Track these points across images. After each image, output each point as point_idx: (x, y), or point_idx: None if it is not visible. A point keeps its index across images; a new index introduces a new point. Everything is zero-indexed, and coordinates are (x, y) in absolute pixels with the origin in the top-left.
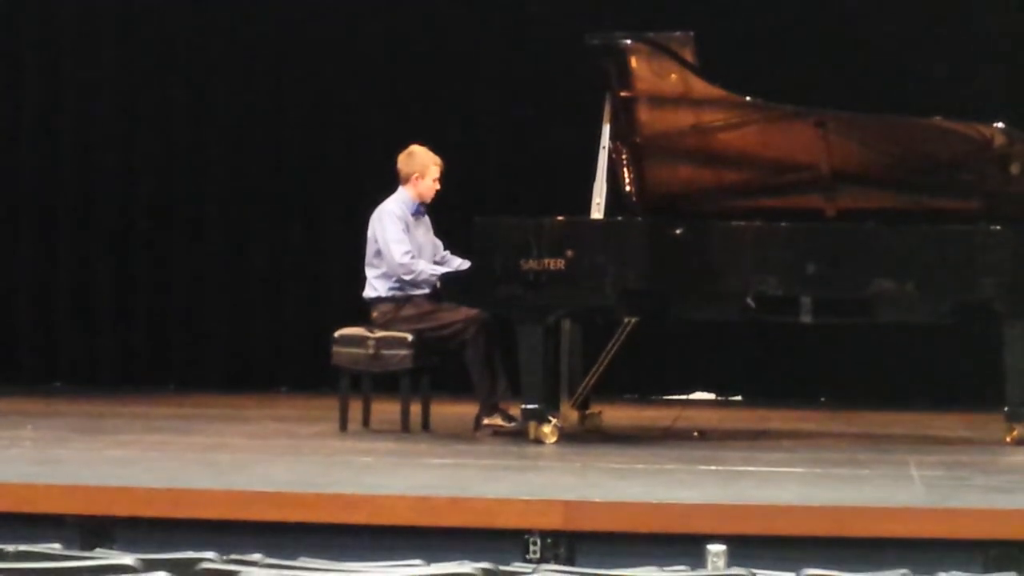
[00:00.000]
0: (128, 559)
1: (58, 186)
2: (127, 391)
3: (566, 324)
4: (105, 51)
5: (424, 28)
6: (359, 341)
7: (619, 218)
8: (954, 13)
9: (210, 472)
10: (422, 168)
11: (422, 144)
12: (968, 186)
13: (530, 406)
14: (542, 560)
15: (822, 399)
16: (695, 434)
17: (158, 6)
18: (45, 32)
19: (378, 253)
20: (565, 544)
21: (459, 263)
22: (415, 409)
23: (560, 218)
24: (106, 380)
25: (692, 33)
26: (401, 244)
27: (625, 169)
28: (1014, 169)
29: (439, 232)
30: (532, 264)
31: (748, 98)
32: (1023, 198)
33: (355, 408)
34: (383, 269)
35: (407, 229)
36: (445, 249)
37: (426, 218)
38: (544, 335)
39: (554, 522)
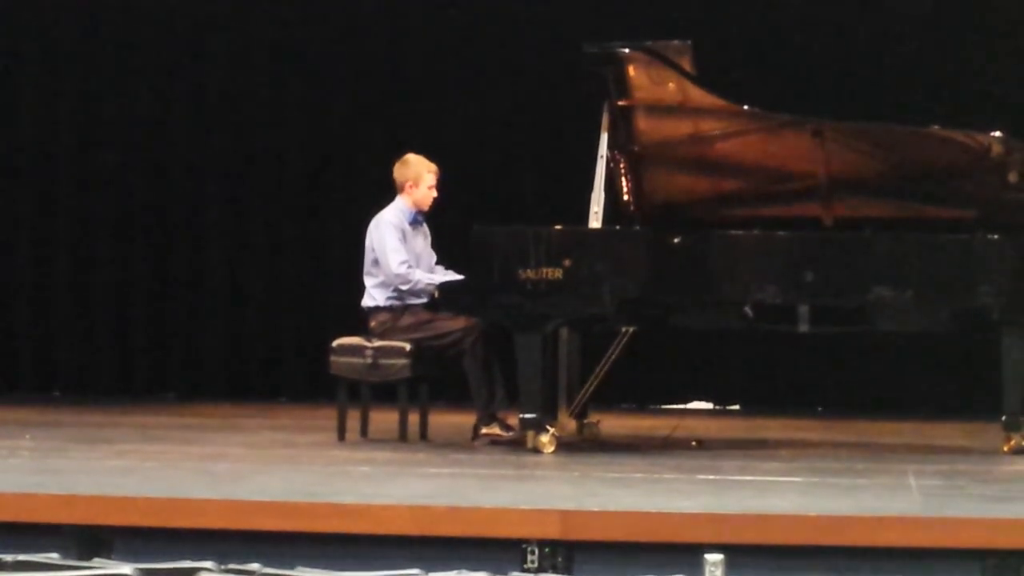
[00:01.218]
0: (126, 569)
1: (57, 195)
2: (126, 401)
3: (564, 333)
4: (105, 57)
5: (422, 37)
6: (357, 351)
7: (617, 227)
8: (952, 17)
9: (208, 482)
10: (416, 176)
11: (419, 153)
12: (966, 195)
13: (528, 415)
14: (540, 569)
15: (820, 408)
16: (693, 443)
17: (159, 10)
18: (45, 35)
19: (376, 262)
20: (563, 553)
21: (450, 276)
22: (413, 418)
23: (558, 227)
24: (105, 390)
25: (690, 42)
26: (398, 253)
27: (623, 178)
28: (1012, 177)
29: (438, 241)
30: (530, 273)
31: (746, 107)
32: (1021, 206)
33: (353, 418)
34: (381, 278)
35: (404, 238)
36: (438, 263)
37: (424, 227)
38: (542, 344)
39: (552, 531)
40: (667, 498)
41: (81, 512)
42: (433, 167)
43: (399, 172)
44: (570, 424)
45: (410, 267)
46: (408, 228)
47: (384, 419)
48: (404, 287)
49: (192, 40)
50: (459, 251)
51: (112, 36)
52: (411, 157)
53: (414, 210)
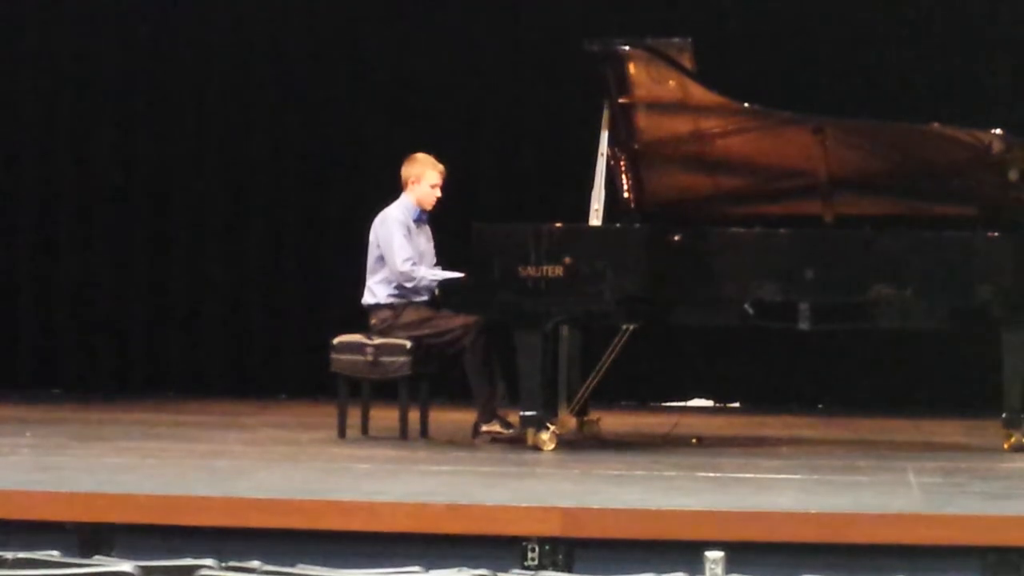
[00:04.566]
0: (127, 566)
1: (57, 193)
2: (126, 398)
3: (564, 331)
4: (105, 56)
5: (424, 35)
6: (358, 348)
7: (617, 225)
8: (953, 15)
9: (209, 479)
10: (419, 173)
11: (419, 150)
12: (966, 192)
13: (528, 413)
14: (540, 567)
15: (820, 405)
16: (693, 441)
17: (159, 10)
18: (45, 35)
19: (380, 259)
20: (563, 551)
21: (452, 275)
22: (413, 416)
23: (559, 225)
24: (105, 387)
25: (690, 39)
26: (403, 250)
27: (623, 175)
28: (1012, 175)
29: (438, 239)
30: (531, 271)
31: (746, 104)
32: (1021, 204)
33: (354, 415)
34: (384, 275)
35: (409, 235)
36: (436, 264)
37: (427, 226)
38: (543, 342)
39: (552, 529)
40: (667, 495)
41: (81, 509)
42: (440, 167)
43: (405, 169)
44: (570, 421)
45: (414, 264)
46: (412, 225)
47: (384, 416)
48: (408, 284)
49: (193, 36)
50: (460, 249)
51: (112, 35)
52: (419, 155)
53: (418, 208)
